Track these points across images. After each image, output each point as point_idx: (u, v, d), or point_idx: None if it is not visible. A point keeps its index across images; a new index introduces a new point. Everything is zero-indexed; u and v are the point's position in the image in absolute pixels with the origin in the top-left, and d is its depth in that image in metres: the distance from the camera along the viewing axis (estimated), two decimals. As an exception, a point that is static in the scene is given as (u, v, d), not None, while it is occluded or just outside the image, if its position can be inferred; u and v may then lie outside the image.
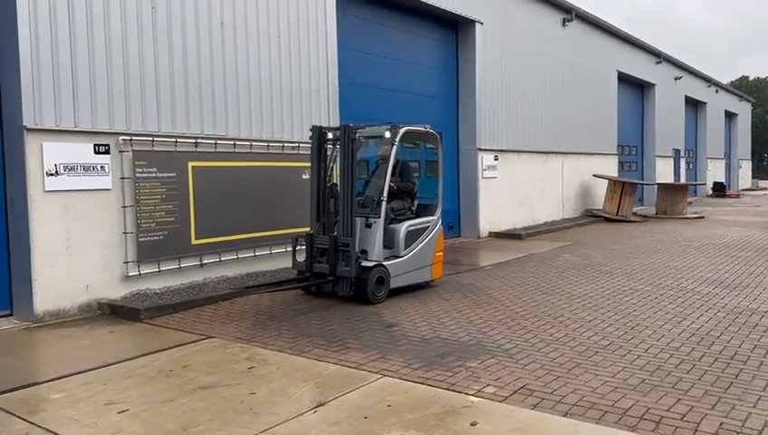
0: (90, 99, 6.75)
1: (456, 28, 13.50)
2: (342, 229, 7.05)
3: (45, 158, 6.36)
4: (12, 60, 6.25)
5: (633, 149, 23.55)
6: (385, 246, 7.36)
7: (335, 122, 9.58)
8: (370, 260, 7.16)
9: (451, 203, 13.13)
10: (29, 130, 6.25)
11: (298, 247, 7.50)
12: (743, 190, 36.02)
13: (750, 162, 44.07)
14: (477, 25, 13.34)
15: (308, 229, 7.50)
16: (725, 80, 53.44)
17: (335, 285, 7.13)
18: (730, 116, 37.08)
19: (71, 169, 6.58)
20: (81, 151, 6.67)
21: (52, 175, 6.42)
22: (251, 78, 8.53)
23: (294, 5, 9.16)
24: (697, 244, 12.21)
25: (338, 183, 7.39)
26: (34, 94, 6.29)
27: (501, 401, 4.13)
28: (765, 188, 39.18)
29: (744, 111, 39.45)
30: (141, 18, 7.24)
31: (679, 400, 4.14)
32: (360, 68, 10.92)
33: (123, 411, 4.00)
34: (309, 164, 7.66)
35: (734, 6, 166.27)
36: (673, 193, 19.05)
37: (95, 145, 6.79)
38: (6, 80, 6.37)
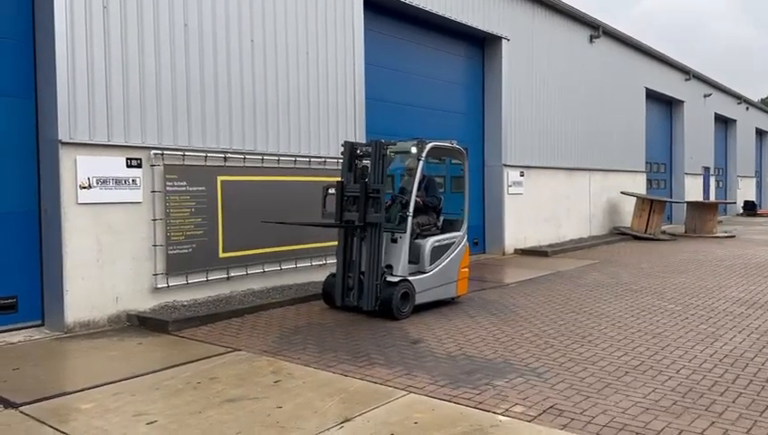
0: (123, 114, 6.89)
1: (482, 44, 13.53)
2: (370, 245, 7.06)
3: (79, 171, 6.49)
4: (49, 76, 6.42)
5: (662, 167, 23.25)
6: (410, 262, 7.35)
7: (361, 137, 9.65)
8: (396, 275, 7.15)
9: (476, 219, 13.08)
10: (64, 143, 6.39)
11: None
12: (774, 209, 35.26)
13: (782, 180, 43.16)
14: (503, 42, 13.35)
15: (334, 243, 7.51)
16: (756, 97, 52.47)
17: (360, 299, 7.14)
18: (761, 134, 36.42)
19: (103, 182, 6.70)
20: (114, 165, 6.80)
21: (84, 188, 6.55)
22: (279, 94, 8.63)
23: (323, 22, 9.27)
24: (728, 263, 11.96)
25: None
26: (69, 109, 6.43)
27: (530, 421, 4.07)
28: (798, 207, 38.31)
29: (775, 128, 38.73)
30: (174, 35, 7.38)
31: (713, 423, 4.04)
32: (385, 83, 10.99)
33: (152, 423, 4.03)
34: (335, 179, 7.71)
35: (765, 22, 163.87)
36: (702, 211, 18.73)
37: (127, 159, 6.92)
38: (43, 95, 6.54)
